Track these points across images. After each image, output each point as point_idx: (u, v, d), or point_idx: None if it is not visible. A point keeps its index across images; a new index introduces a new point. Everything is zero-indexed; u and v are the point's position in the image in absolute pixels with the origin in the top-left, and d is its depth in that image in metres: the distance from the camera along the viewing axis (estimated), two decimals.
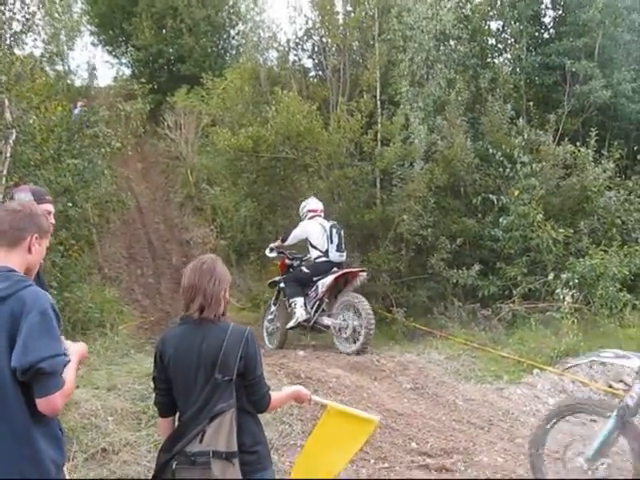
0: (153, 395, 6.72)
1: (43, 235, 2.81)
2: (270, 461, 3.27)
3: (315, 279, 9.43)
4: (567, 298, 9.72)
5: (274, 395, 3.26)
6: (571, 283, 10.09)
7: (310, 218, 9.68)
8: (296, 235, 9.71)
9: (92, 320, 9.73)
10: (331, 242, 9.43)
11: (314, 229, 9.53)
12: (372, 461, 5.74)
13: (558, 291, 10.00)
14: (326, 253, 9.43)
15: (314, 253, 9.51)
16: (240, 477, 2.97)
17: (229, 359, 3.03)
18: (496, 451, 6.37)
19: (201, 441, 2.97)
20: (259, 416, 3.26)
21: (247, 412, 3.13)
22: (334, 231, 9.47)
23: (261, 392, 3.17)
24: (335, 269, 9.42)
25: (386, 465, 5.67)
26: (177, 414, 3.26)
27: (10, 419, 2.53)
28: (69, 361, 2.65)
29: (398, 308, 11.27)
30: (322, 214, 9.81)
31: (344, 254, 9.69)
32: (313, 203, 9.86)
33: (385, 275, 11.79)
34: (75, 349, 2.85)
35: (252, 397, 3.15)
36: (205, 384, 3.03)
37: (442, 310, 11.07)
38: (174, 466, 3.02)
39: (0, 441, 2.52)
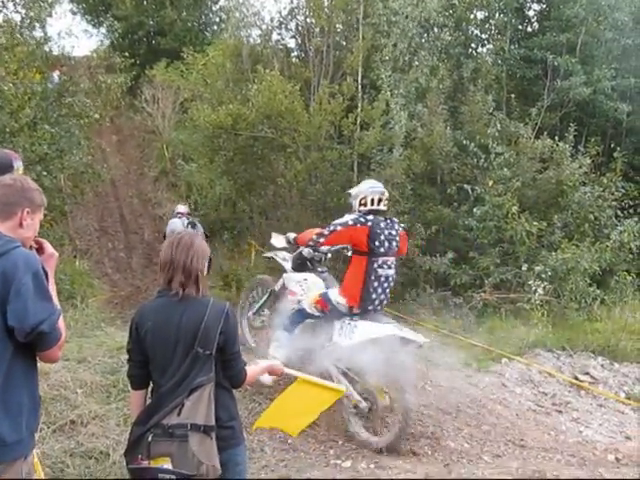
0: (123, 369, 6.72)
1: (36, 209, 2.81)
2: (243, 437, 3.27)
3: None
4: (539, 290, 9.84)
5: (249, 370, 3.26)
6: (543, 276, 10.20)
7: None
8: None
9: (62, 292, 9.61)
10: None
11: None
12: (340, 442, 5.77)
13: (530, 283, 10.11)
14: None
15: None
16: (216, 451, 2.97)
17: (209, 333, 3.02)
18: (463, 437, 6.43)
19: (179, 414, 2.96)
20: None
21: (223, 387, 3.12)
22: None
23: (238, 367, 3.16)
24: None
25: (354, 447, 5.70)
26: (149, 388, 3.24)
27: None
28: (60, 312, 2.69)
29: None
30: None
31: None
32: None
33: None
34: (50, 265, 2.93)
35: (229, 372, 3.14)
36: (184, 358, 3.01)
37: (414, 296, 11.14)
38: (150, 438, 3.01)
39: None
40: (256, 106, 12.06)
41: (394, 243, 5.80)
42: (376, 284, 5.76)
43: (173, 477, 2.95)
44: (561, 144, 12.09)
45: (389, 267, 5.80)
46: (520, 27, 15.47)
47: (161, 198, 17.65)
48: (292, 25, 14.59)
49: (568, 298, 10.28)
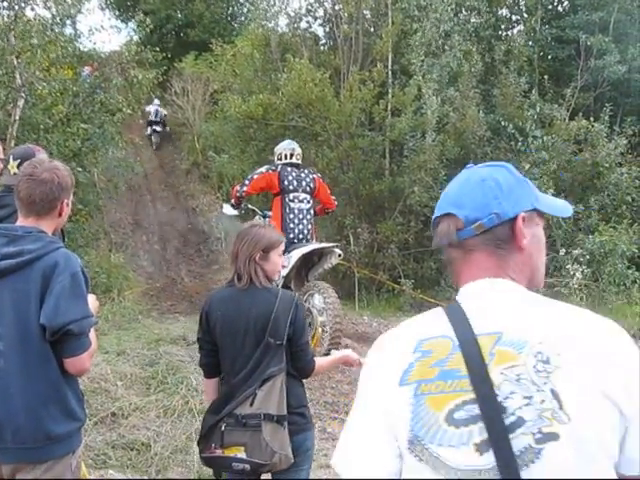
0: (162, 361, 6.78)
1: (70, 195, 2.80)
2: (312, 423, 3.31)
3: None
4: (577, 274, 9.70)
5: (319, 361, 3.29)
6: (581, 259, 10.06)
7: None
8: None
9: (99, 285, 9.73)
10: None
11: None
12: None
13: (568, 267, 9.98)
14: None
15: None
16: (288, 440, 3.01)
17: (280, 324, 3.04)
18: None
19: (252, 404, 3.01)
20: None
21: (292, 375, 3.14)
22: None
23: (307, 358, 3.18)
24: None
25: None
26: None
27: (42, 378, 2.57)
28: (96, 322, 2.67)
29: (406, 280, 11.26)
30: None
31: None
32: None
33: (393, 246, 11.76)
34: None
35: (297, 363, 3.16)
36: (255, 348, 3.04)
37: (450, 282, 11.04)
38: (223, 428, 3.06)
39: (32, 399, 2.55)
40: (286, 95, 12.02)
41: (303, 183, 7.28)
42: (292, 216, 7.19)
43: (247, 466, 3.01)
44: (596, 125, 11.89)
45: (300, 202, 7.24)
46: (551, 7, 15.21)
47: (193, 190, 17.72)
48: (320, 13, 14.51)
49: (607, 281, 10.13)
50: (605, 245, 10.36)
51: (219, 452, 3.09)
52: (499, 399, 1.31)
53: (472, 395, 1.33)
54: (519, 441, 1.29)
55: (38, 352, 2.55)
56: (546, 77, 13.17)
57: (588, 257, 10.22)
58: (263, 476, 3.16)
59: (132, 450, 5.08)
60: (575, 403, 1.29)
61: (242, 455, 3.02)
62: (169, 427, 5.42)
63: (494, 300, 1.43)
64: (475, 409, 1.32)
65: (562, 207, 1.63)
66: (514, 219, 1.44)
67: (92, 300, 2.78)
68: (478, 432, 1.31)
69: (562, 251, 10.58)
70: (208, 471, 4.49)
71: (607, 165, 11.58)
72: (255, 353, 3.04)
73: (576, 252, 10.28)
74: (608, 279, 10.18)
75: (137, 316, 9.22)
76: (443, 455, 1.33)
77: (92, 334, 2.67)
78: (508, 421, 1.30)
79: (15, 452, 2.55)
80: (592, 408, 1.29)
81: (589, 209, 11.30)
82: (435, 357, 1.39)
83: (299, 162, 7.44)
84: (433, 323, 1.45)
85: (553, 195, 10.59)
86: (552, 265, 10.80)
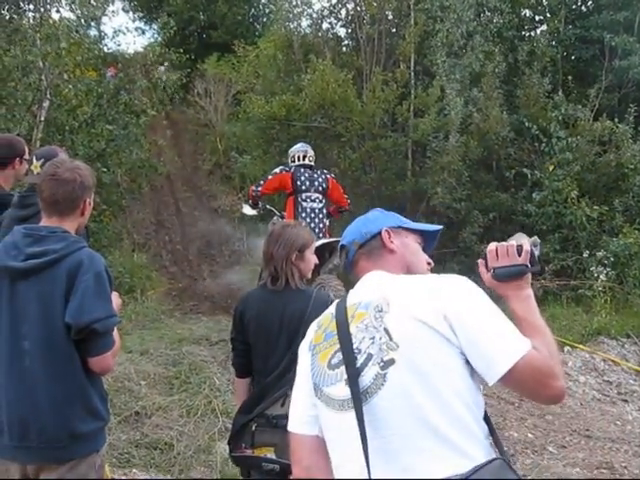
0: (185, 361, 6.82)
1: (91, 194, 2.83)
2: None
3: None
4: (601, 276, 9.62)
5: None
6: (605, 262, 9.97)
7: None
8: None
9: (122, 285, 9.78)
10: None
11: None
12: None
13: (592, 269, 9.89)
14: None
15: None
16: None
17: None
18: (526, 427, 6.36)
19: (282, 404, 3.03)
20: None
21: None
22: None
23: None
24: None
25: None
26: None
27: (67, 377, 2.59)
28: (120, 321, 2.69)
29: None
30: None
31: None
32: None
33: None
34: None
35: None
36: (287, 349, 3.05)
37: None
38: (254, 428, 3.10)
39: (57, 398, 2.58)
40: (309, 96, 12.03)
41: (316, 183, 7.64)
42: (304, 215, 7.52)
43: (276, 466, 3.03)
44: (621, 126, 11.74)
45: (313, 201, 7.60)
46: (574, 7, 15.05)
47: (216, 191, 17.77)
48: (342, 14, 14.48)
49: (631, 284, 10.02)
50: (630, 247, 10.23)
51: (249, 452, 3.11)
52: (355, 345, 1.85)
53: (339, 345, 1.89)
54: (371, 371, 1.80)
55: (63, 351, 2.58)
56: (570, 78, 13.04)
57: (612, 259, 10.11)
58: None
59: (155, 449, 5.12)
60: (399, 332, 1.80)
61: (272, 455, 3.04)
62: (192, 427, 5.45)
63: (364, 283, 2.06)
64: (341, 355, 1.87)
65: (429, 226, 2.33)
66: (380, 233, 2.12)
67: (115, 298, 2.80)
68: (345, 371, 1.84)
69: (586, 253, 10.49)
70: (231, 471, 4.51)
71: (632, 166, 11.43)
72: (287, 354, 3.03)
73: (600, 254, 10.18)
74: (633, 282, 10.06)
75: (160, 316, 9.27)
76: (328, 392, 1.88)
77: (115, 333, 2.70)
78: (362, 358, 1.83)
79: (40, 451, 2.58)
80: (413, 334, 1.79)
81: (613, 211, 11.17)
82: (323, 326, 2.02)
83: (312, 163, 7.86)
84: (329, 307, 2.09)
85: (577, 196, 10.55)
86: (576, 267, 10.71)
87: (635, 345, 8.86)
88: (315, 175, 7.74)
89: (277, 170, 7.88)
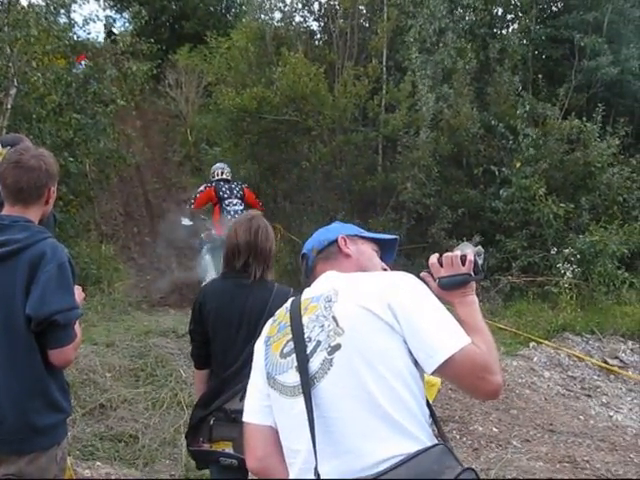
0: (152, 353, 6.77)
1: (55, 182, 2.79)
2: None
3: None
4: (567, 273, 9.74)
5: None
6: (572, 259, 10.10)
7: None
8: None
9: (89, 276, 9.69)
10: None
11: None
12: None
13: (559, 266, 10.01)
14: None
15: None
16: None
17: None
18: (491, 421, 6.42)
19: (241, 399, 2.97)
20: None
21: None
22: None
23: None
24: None
25: None
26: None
27: (26, 370, 2.54)
28: (82, 314, 2.65)
29: None
30: None
31: None
32: None
33: None
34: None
35: None
36: (247, 342, 2.96)
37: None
38: (212, 422, 3.07)
39: (16, 391, 2.55)
40: (280, 89, 11.97)
41: (234, 191, 9.63)
42: (229, 217, 9.18)
43: (234, 461, 2.99)
44: (589, 125, 11.90)
45: (234, 205, 9.48)
46: (545, 6, 15.18)
47: (185, 183, 17.64)
48: (315, 7, 14.45)
49: (597, 281, 10.16)
50: (596, 245, 10.37)
51: (207, 446, 3.08)
52: (306, 334, 1.95)
53: (291, 335, 1.99)
54: (319, 357, 1.90)
55: (23, 343, 2.53)
56: (540, 76, 13.15)
57: (579, 256, 10.25)
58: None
59: (120, 442, 5.08)
60: (345, 318, 1.90)
61: (230, 450, 3.01)
62: (157, 419, 5.42)
63: (319, 282, 2.15)
64: (292, 343, 1.97)
65: (385, 235, 2.46)
66: (337, 240, 2.27)
67: (78, 292, 2.76)
68: (295, 358, 1.93)
69: (553, 250, 10.62)
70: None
71: (599, 165, 11.59)
72: (247, 347, 2.95)
73: (567, 251, 10.31)
74: (598, 279, 10.20)
75: (127, 308, 9.20)
76: (280, 380, 1.96)
77: (77, 326, 2.66)
78: (312, 345, 1.93)
79: None
80: (358, 319, 1.89)
81: (580, 208, 11.32)
82: (277, 320, 2.14)
83: (229, 178, 9.91)
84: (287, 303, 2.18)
85: (545, 194, 10.65)
86: (542, 264, 10.83)
87: (599, 341, 8.99)
88: (232, 186, 9.76)
89: (202, 188, 9.92)
